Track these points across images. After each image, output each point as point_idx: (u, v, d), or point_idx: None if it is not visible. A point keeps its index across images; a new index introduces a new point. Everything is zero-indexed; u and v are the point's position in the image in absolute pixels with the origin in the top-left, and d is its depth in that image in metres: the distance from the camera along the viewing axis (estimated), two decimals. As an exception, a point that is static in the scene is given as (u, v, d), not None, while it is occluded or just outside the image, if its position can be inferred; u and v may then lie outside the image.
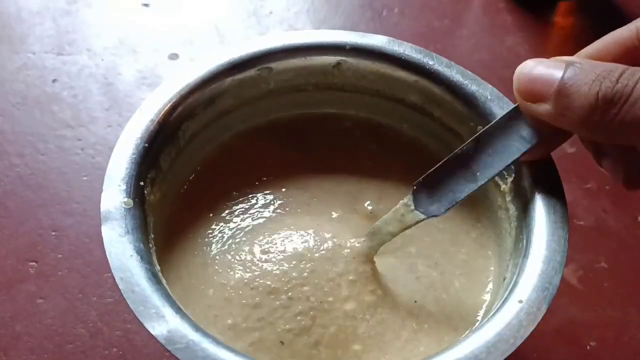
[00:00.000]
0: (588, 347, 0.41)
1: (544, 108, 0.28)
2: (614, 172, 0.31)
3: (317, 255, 0.34)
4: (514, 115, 0.30)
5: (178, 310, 0.27)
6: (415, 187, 0.32)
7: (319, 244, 0.34)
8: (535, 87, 0.28)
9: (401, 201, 0.33)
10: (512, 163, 0.30)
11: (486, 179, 0.31)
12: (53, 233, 0.44)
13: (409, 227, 0.33)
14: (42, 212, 0.45)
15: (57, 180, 0.47)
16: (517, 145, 0.30)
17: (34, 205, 0.45)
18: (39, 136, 0.49)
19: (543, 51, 0.57)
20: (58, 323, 0.40)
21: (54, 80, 0.53)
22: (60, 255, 0.43)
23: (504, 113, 0.31)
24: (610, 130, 0.26)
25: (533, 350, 0.40)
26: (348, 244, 0.34)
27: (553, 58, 0.28)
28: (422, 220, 0.32)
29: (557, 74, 0.27)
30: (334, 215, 0.37)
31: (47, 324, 0.40)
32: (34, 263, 0.43)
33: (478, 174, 0.31)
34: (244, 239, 0.35)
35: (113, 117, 0.51)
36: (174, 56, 0.55)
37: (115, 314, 0.40)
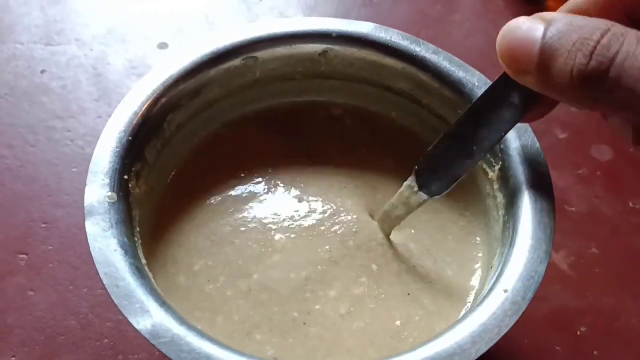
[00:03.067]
0: (578, 333, 0.41)
1: (529, 80, 0.26)
2: (621, 131, 0.29)
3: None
4: (503, 83, 0.29)
5: (162, 304, 0.27)
6: (417, 168, 0.32)
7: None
8: (516, 57, 0.26)
9: (405, 183, 0.33)
10: (506, 133, 0.30)
11: (482, 153, 0.30)
12: (43, 225, 0.44)
13: (414, 209, 0.33)
14: (31, 204, 0.45)
15: (46, 172, 0.47)
16: (509, 114, 0.29)
17: (23, 197, 0.45)
18: (28, 127, 0.49)
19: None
20: (49, 315, 0.40)
21: (42, 71, 0.52)
22: (50, 247, 0.43)
23: (494, 81, 0.30)
24: (600, 104, 0.25)
25: (523, 337, 0.40)
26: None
27: (535, 15, 0.26)
28: (426, 201, 0.32)
29: (537, 37, 0.25)
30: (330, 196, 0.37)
31: (38, 316, 0.40)
32: (24, 255, 0.43)
33: (474, 148, 0.30)
34: (230, 229, 0.35)
35: (103, 107, 0.51)
36: (163, 45, 0.55)
37: (106, 306, 0.40)
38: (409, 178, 0.33)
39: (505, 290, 0.28)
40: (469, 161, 0.31)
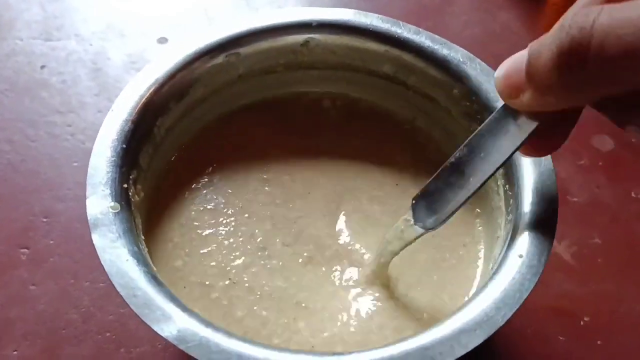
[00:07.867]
0: (582, 323, 0.41)
1: (526, 97, 0.25)
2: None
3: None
4: (502, 114, 0.28)
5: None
6: (414, 201, 0.31)
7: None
8: (511, 81, 0.25)
9: (402, 217, 0.32)
10: (504, 163, 0.28)
11: (479, 184, 0.29)
12: (44, 219, 0.44)
13: (410, 243, 0.32)
14: (33, 198, 0.45)
15: (47, 166, 0.47)
16: (507, 144, 0.28)
17: (24, 192, 0.45)
18: (29, 122, 0.49)
19: (535, 27, 0.56)
20: (51, 308, 0.40)
21: (42, 66, 0.52)
22: (52, 241, 0.43)
23: (492, 114, 0.28)
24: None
25: (527, 326, 0.40)
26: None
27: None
28: (421, 235, 0.31)
29: (524, 56, 0.24)
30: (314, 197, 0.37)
31: (40, 309, 0.40)
32: (25, 249, 0.43)
33: (471, 179, 0.29)
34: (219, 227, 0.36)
35: (103, 102, 0.51)
36: (162, 40, 0.55)
37: (107, 299, 0.40)
38: (407, 213, 0.31)
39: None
40: (465, 193, 0.29)
